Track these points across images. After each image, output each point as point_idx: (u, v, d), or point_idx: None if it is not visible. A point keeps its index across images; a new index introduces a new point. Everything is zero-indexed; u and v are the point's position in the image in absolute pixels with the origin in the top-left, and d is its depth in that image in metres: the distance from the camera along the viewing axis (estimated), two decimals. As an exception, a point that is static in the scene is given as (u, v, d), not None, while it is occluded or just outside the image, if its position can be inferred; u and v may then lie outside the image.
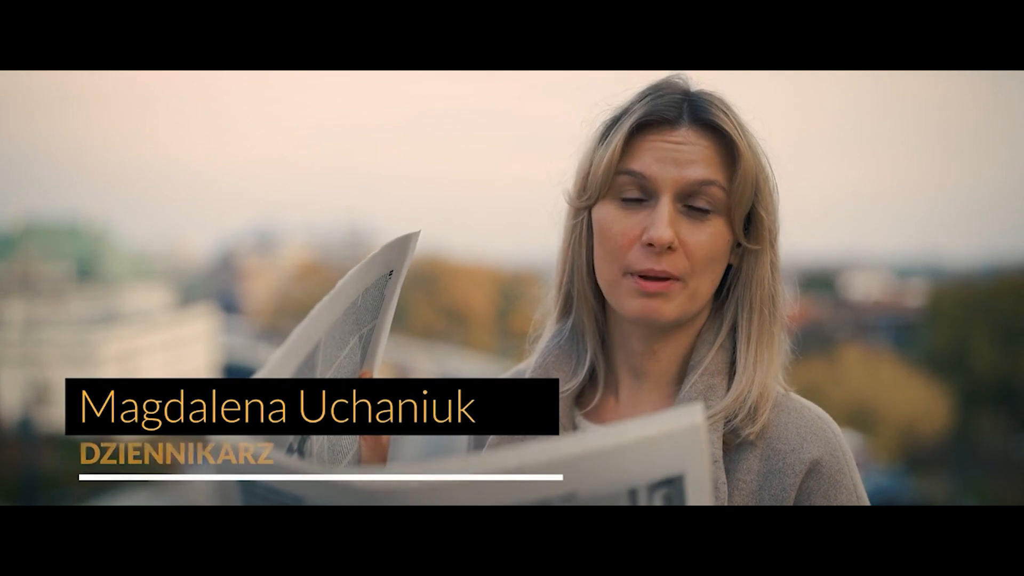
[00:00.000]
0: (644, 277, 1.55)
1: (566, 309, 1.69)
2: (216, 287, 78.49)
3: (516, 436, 1.64)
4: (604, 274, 1.60)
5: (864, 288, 63.80)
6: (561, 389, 1.65)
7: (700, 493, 1.00)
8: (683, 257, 1.55)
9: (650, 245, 1.54)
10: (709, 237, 1.56)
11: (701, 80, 1.64)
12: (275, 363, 1.21)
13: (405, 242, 1.49)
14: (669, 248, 1.53)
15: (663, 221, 1.53)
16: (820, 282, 62.63)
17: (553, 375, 1.66)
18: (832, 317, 54.55)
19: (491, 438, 1.66)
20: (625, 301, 1.57)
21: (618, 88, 1.63)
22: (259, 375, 1.17)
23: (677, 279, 1.55)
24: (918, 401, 38.84)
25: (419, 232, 1.51)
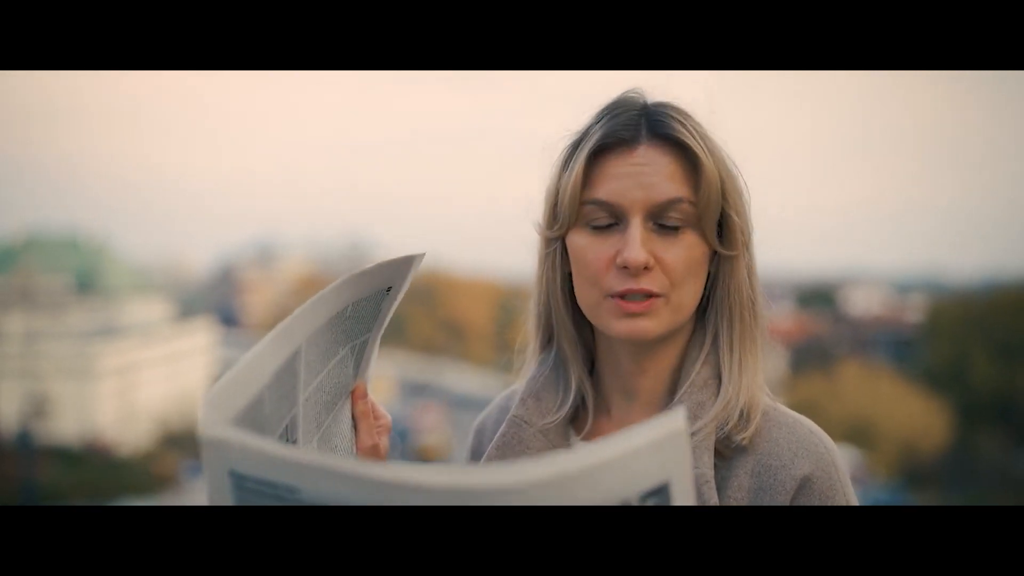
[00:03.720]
0: (624, 298, 1.54)
1: (548, 338, 1.69)
2: (216, 300, 78.47)
3: (511, 454, 1.64)
4: (585, 299, 1.59)
5: (864, 303, 63.78)
6: (550, 419, 1.65)
7: (685, 499, 0.99)
8: (661, 274, 1.54)
9: (625, 267, 1.53)
10: (684, 250, 1.55)
11: (691, 83, 1.63)
12: (244, 366, 1.17)
13: (408, 262, 1.48)
14: (645, 268, 1.53)
15: (635, 243, 1.52)
16: (820, 297, 62.60)
17: (544, 403, 1.66)
18: (831, 332, 54.51)
19: (487, 454, 1.65)
20: (609, 323, 1.57)
21: (600, 102, 1.62)
22: (226, 377, 1.15)
23: (659, 295, 1.54)
24: (917, 416, 38.79)
25: (423, 255, 1.49)
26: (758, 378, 1.59)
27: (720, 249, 1.58)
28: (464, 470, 0.96)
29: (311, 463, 0.98)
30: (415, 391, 49.09)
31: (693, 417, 1.55)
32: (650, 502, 0.98)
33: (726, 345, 1.59)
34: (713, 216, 1.56)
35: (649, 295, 1.54)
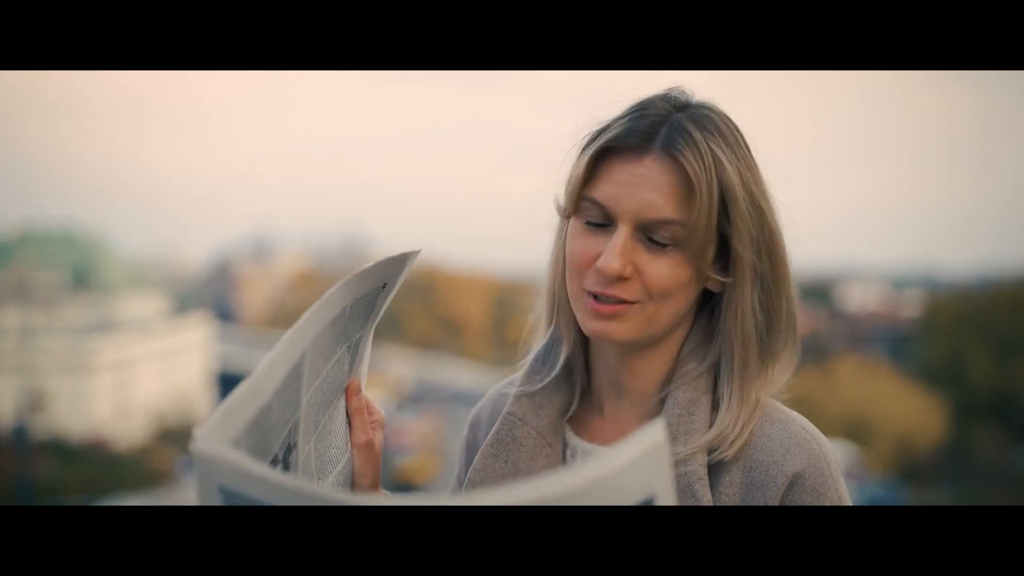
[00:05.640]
0: (596, 299, 1.54)
1: (552, 316, 1.69)
2: (212, 295, 78.46)
3: (504, 452, 1.64)
4: (568, 286, 1.60)
5: (860, 299, 63.83)
6: (526, 389, 1.66)
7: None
8: (638, 284, 1.52)
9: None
10: (667, 267, 1.52)
11: (703, 87, 1.60)
12: (262, 373, 1.19)
13: (403, 259, 1.48)
14: (621, 278, 1.51)
15: (614, 251, 1.51)
16: (816, 293, 62.59)
17: (533, 380, 1.67)
18: (828, 328, 54.53)
19: (476, 462, 1.65)
20: (583, 319, 1.57)
21: (609, 99, 1.61)
22: (240, 389, 1.15)
23: (631, 302, 1.53)
24: (913, 413, 38.80)
25: (419, 251, 1.50)
26: (759, 405, 1.56)
27: (712, 275, 1.56)
28: (450, 499, 0.97)
29: (293, 488, 0.99)
30: (410, 400, 47.86)
31: (687, 413, 1.55)
32: None
33: (726, 372, 1.57)
34: (704, 242, 1.52)
35: (620, 301, 1.53)
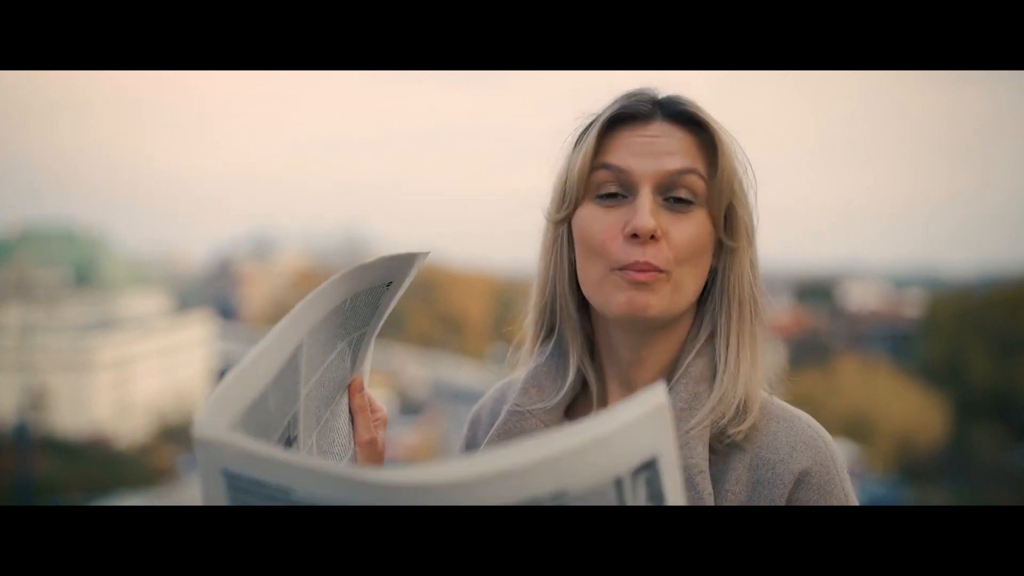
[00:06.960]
0: (631, 270, 1.53)
1: (550, 329, 1.68)
2: (213, 293, 78.46)
3: (507, 437, 1.64)
4: (589, 275, 1.58)
5: (861, 298, 63.87)
6: (549, 403, 1.65)
7: (672, 472, 1.00)
8: (666, 248, 1.53)
9: (634, 236, 1.51)
10: (692, 227, 1.54)
11: (691, 82, 1.63)
12: (251, 362, 1.17)
13: (411, 259, 1.47)
14: (653, 238, 1.52)
15: (645, 210, 1.51)
16: (817, 291, 62.67)
17: (544, 391, 1.66)
18: (829, 327, 54.55)
19: (485, 444, 1.65)
20: (612, 297, 1.55)
21: (609, 97, 1.62)
22: (233, 374, 1.14)
23: (661, 271, 1.53)
24: (914, 411, 38.82)
25: (428, 253, 1.49)
26: (757, 373, 1.57)
27: (725, 239, 1.58)
28: (455, 464, 0.95)
29: (300, 465, 0.99)
30: (413, 404, 47.41)
31: (689, 408, 1.55)
32: (641, 476, 0.98)
33: (723, 338, 1.58)
34: (724, 198, 1.56)
35: (653, 269, 1.53)
